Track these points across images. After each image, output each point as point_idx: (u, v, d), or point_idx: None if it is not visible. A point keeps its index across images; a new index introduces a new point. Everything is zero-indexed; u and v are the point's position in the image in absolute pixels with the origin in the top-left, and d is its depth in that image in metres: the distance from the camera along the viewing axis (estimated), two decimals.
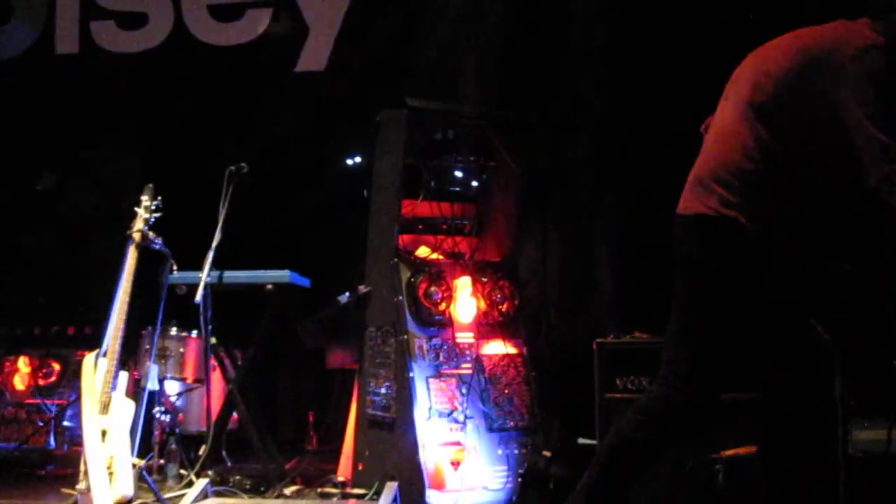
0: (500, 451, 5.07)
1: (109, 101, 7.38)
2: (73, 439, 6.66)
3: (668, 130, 5.49)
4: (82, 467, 4.10)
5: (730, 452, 3.86)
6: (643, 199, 5.86)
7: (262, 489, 5.42)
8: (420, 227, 5.55)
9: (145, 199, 4.67)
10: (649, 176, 5.80)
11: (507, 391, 5.22)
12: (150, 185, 4.73)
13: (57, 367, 7.00)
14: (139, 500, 4.27)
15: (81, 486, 4.07)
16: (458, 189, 5.61)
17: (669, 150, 5.59)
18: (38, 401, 6.96)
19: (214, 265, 5.33)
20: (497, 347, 5.33)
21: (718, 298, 3.08)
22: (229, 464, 6.25)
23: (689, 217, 3.15)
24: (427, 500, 4.79)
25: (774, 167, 3.04)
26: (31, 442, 6.67)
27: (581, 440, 5.60)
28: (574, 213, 6.41)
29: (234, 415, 5.92)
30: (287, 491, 5.28)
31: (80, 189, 7.43)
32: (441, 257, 5.46)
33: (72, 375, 6.89)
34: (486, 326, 5.34)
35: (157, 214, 4.65)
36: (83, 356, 4.35)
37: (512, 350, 5.35)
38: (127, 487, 4.07)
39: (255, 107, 7.14)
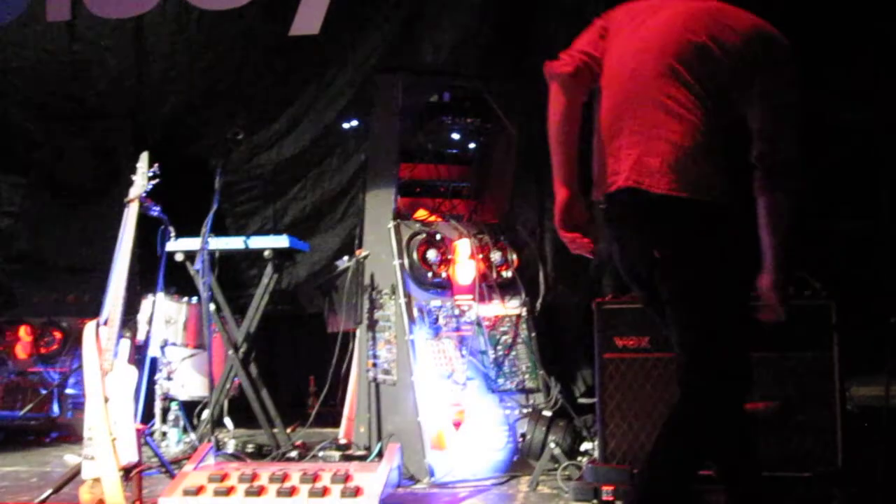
0: (500, 412, 5.11)
1: (103, 67, 7.33)
2: (77, 406, 6.70)
3: None
4: (86, 434, 4.14)
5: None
6: None
7: (265, 453, 5.48)
8: (418, 189, 5.55)
9: (142, 166, 4.65)
10: None
11: (506, 352, 5.26)
12: (147, 152, 4.72)
13: (58, 335, 7.02)
14: (143, 466, 4.30)
15: (86, 452, 4.11)
16: (455, 151, 5.61)
17: None
18: (41, 369, 7.00)
19: (212, 231, 5.33)
20: (496, 309, 5.36)
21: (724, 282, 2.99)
22: (231, 429, 6.30)
23: (671, 198, 2.93)
24: (428, 460, 4.84)
25: (714, 137, 2.99)
26: (35, 410, 6.72)
27: (581, 399, 5.65)
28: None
29: (236, 380, 5.95)
30: (290, 454, 5.32)
31: (76, 154, 7.40)
32: (439, 220, 5.47)
33: (73, 343, 6.92)
34: (486, 288, 5.37)
35: (154, 181, 4.64)
36: (84, 324, 4.36)
37: (511, 311, 5.38)
38: (131, 453, 4.10)
39: (251, 71, 7.09)
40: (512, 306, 5.40)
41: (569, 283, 6.20)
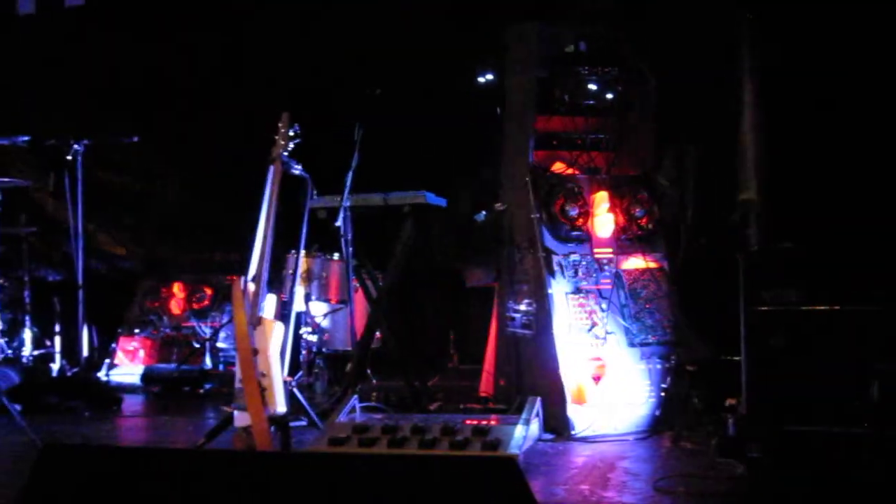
0: (641, 366, 5.03)
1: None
2: (227, 359, 6.99)
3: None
4: (237, 385, 4.29)
5: None
6: (793, 106, 5.58)
7: (406, 405, 5.57)
8: (554, 142, 5.46)
9: (283, 127, 4.74)
10: (798, 81, 5.52)
11: (647, 306, 5.17)
12: (287, 113, 4.79)
13: (209, 291, 7.32)
14: (291, 416, 4.44)
15: (237, 403, 4.26)
16: (592, 102, 5.47)
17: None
18: (193, 324, 7.32)
19: (353, 188, 5.41)
20: (637, 262, 5.26)
21: None
22: (374, 381, 6.43)
23: None
24: (568, 414, 4.82)
25: None
26: (189, 362, 7.03)
27: (724, 355, 5.50)
28: (714, 122, 6.18)
29: (378, 334, 6.06)
30: (431, 406, 5.39)
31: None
32: (577, 172, 5.38)
33: (222, 299, 7.20)
34: (625, 241, 5.27)
35: (295, 140, 4.71)
36: (232, 281, 4.49)
37: (652, 264, 5.27)
38: (280, 404, 4.23)
39: (385, 29, 7.12)
40: (652, 259, 5.29)
41: (711, 234, 6.02)
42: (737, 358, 4.31)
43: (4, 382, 5.91)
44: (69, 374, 6.86)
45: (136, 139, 7.63)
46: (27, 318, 6.97)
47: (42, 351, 7.03)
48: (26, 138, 7.32)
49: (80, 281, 6.82)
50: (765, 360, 4.20)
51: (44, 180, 8.09)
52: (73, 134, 7.57)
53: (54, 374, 6.88)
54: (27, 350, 6.90)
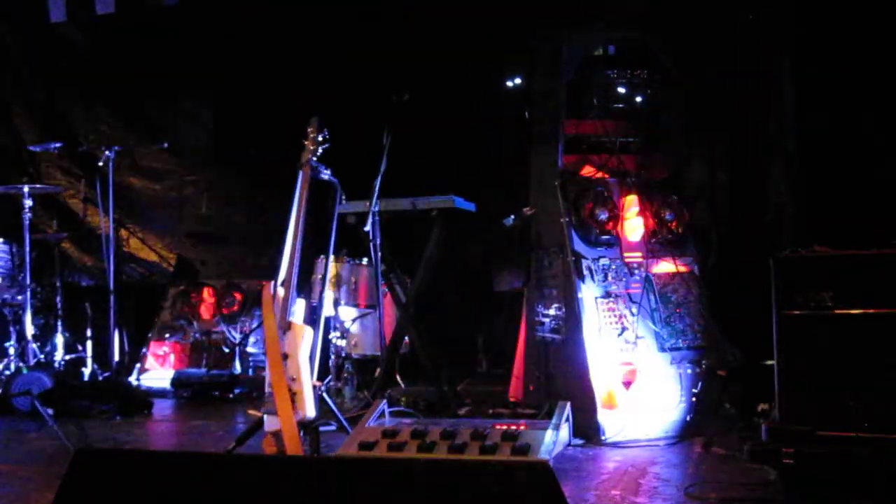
0: (672, 371, 4.99)
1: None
2: (257, 364, 7.01)
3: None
4: (267, 390, 4.30)
5: None
6: (827, 107, 5.52)
7: (435, 410, 5.56)
8: (584, 146, 5.43)
9: (312, 131, 4.75)
10: (833, 77, 5.46)
11: (678, 310, 5.13)
12: (316, 117, 4.80)
13: (238, 296, 7.35)
14: (321, 421, 4.44)
15: (267, 407, 4.27)
16: (621, 105, 5.45)
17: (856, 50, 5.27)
18: (223, 329, 7.35)
19: (381, 193, 5.41)
20: (667, 266, 5.22)
21: None
22: (403, 386, 6.43)
23: None
24: (599, 419, 4.79)
25: None
26: (219, 367, 7.06)
27: (757, 360, 5.44)
28: (745, 124, 6.13)
29: (406, 339, 6.05)
30: (459, 411, 5.38)
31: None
32: (607, 176, 5.35)
33: (252, 304, 7.23)
34: (655, 245, 5.23)
35: (324, 146, 4.72)
36: (262, 285, 4.51)
37: (682, 268, 5.23)
38: (309, 408, 4.24)
39: (413, 33, 7.13)
40: (683, 263, 5.24)
41: (742, 238, 5.97)
42: (769, 362, 4.26)
43: (37, 387, 5.96)
44: (100, 378, 6.92)
45: (165, 146, 7.70)
46: (59, 322, 7.04)
47: (74, 355, 7.09)
48: (59, 144, 7.41)
49: (112, 286, 6.88)
50: (798, 364, 4.14)
51: (76, 186, 8.19)
52: (105, 140, 7.65)
53: (86, 378, 6.95)
54: (59, 355, 6.97)
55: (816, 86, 5.64)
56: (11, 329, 6.86)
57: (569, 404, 4.64)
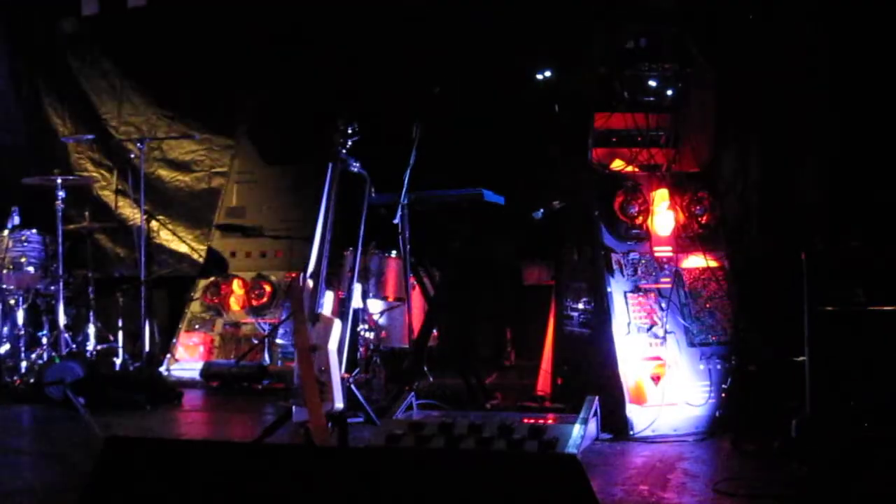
0: (701, 366, 4.96)
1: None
2: (286, 355, 7.04)
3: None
4: (295, 381, 4.32)
5: None
6: (860, 102, 5.45)
7: (463, 403, 5.55)
8: (614, 139, 5.40)
9: (342, 124, 4.75)
10: (868, 76, 5.39)
11: (708, 305, 5.09)
12: (346, 110, 4.81)
13: (268, 288, 7.38)
14: (349, 412, 4.46)
15: (296, 399, 4.29)
16: (652, 99, 5.40)
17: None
18: (252, 320, 7.39)
19: (411, 186, 5.41)
20: (697, 261, 5.18)
21: None
22: (431, 378, 6.43)
23: None
24: (627, 414, 4.77)
25: None
26: (248, 358, 7.10)
27: (789, 357, 5.39)
28: (777, 118, 6.07)
29: (435, 331, 6.05)
30: (487, 404, 5.38)
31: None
32: (637, 170, 5.32)
33: (282, 296, 7.26)
34: (685, 239, 5.20)
35: (354, 138, 4.73)
36: (291, 278, 4.52)
37: (713, 263, 5.19)
38: (338, 400, 4.25)
39: (441, 28, 7.12)
40: (713, 258, 5.20)
41: (773, 233, 5.92)
42: (800, 359, 4.23)
43: (69, 376, 6.03)
44: (131, 368, 6.98)
45: (197, 137, 7.75)
46: (91, 313, 7.11)
47: (105, 345, 7.16)
48: (91, 137, 7.48)
49: (143, 277, 6.94)
50: (829, 360, 4.10)
51: (107, 178, 8.26)
52: (137, 132, 7.70)
53: (117, 368, 7.01)
54: (91, 345, 7.04)
55: (851, 82, 5.57)
56: (44, 319, 6.95)
57: (597, 399, 4.63)
